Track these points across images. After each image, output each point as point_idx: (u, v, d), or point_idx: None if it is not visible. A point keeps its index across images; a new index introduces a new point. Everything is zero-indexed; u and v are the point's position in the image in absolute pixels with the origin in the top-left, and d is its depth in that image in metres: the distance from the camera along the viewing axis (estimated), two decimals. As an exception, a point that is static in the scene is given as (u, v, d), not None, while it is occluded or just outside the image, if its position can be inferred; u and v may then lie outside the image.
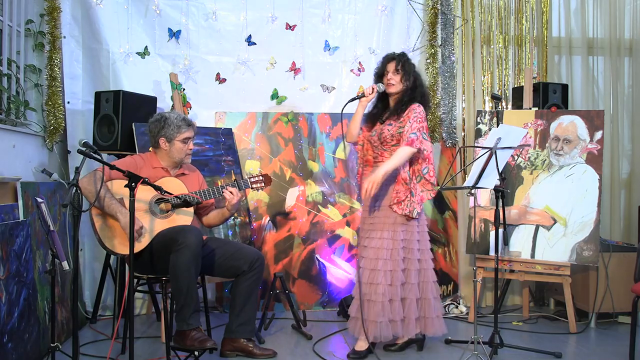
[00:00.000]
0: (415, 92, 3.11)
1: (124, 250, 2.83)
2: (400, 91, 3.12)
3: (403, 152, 2.99)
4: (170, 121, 3.08)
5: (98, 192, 2.78)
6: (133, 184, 2.60)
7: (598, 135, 3.86)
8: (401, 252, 3.07)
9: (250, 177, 3.18)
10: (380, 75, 3.16)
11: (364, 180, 3.01)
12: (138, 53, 4.24)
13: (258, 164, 4.32)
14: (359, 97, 3.12)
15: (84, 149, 2.58)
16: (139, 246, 2.85)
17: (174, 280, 2.82)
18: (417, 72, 3.18)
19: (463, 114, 4.58)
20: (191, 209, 3.06)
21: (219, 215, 3.22)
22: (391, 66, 3.11)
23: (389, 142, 3.09)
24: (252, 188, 3.17)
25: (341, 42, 4.46)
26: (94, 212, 2.90)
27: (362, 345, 3.12)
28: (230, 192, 3.06)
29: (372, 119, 3.20)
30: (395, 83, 3.10)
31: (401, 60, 3.11)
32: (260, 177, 3.18)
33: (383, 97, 3.19)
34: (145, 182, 2.71)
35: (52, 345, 2.55)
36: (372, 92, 3.10)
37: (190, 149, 3.14)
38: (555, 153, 3.93)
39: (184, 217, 3.04)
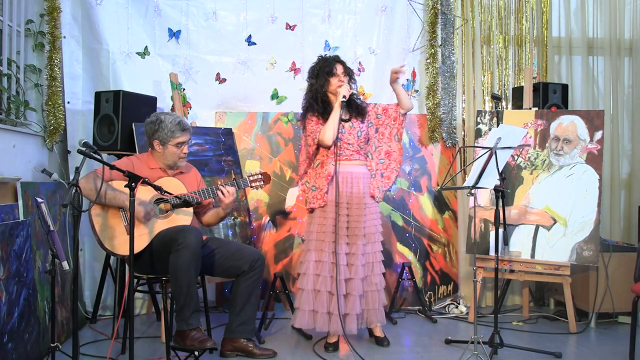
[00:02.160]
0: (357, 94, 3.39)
1: (124, 250, 2.83)
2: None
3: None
4: (164, 125, 3.05)
5: (99, 189, 2.76)
6: (133, 184, 2.60)
7: (598, 135, 3.86)
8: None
9: (249, 176, 3.17)
10: (328, 73, 3.24)
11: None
12: (138, 53, 4.24)
13: (258, 164, 4.32)
14: (345, 100, 3.21)
15: (84, 149, 2.58)
16: (138, 246, 2.85)
17: (174, 280, 2.82)
18: None
19: (463, 114, 4.57)
20: (190, 209, 3.06)
21: (215, 214, 3.22)
22: (340, 68, 3.28)
23: (364, 141, 3.33)
24: (251, 187, 3.16)
25: (341, 42, 4.46)
26: (94, 212, 2.90)
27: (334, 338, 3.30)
28: (224, 191, 3.05)
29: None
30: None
31: (347, 65, 3.34)
32: (260, 176, 3.18)
33: (325, 97, 3.28)
34: (145, 182, 2.71)
35: (52, 345, 2.56)
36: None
37: (185, 153, 3.11)
38: (555, 153, 3.93)
39: (184, 217, 3.04)
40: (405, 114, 3.41)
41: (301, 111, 3.38)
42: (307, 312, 3.20)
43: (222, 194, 3.05)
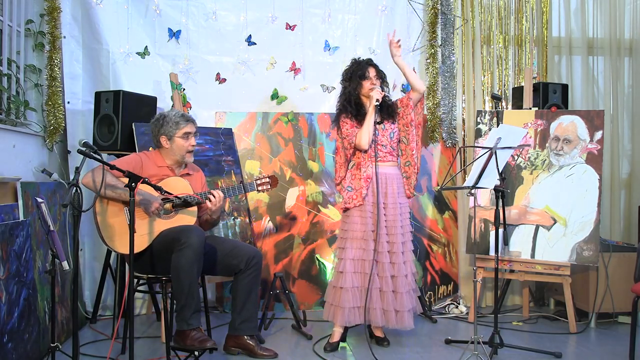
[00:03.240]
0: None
1: (126, 249, 2.82)
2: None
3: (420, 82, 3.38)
4: (168, 118, 3.08)
5: (102, 182, 2.72)
6: (133, 184, 2.60)
7: (598, 135, 3.86)
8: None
9: (256, 179, 3.16)
10: (360, 77, 3.28)
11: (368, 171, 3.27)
12: (138, 53, 4.24)
13: (258, 164, 4.32)
14: (378, 104, 3.23)
15: (84, 149, 2.58)
16: (140, 245, 2.85)
17: (176, 280, 2.82)
18: None
19: (463, 114, 4.58)
20: (194, 209, 3.05)
21: (207, 218, 3.20)
22: (372, 71, 3.31)
23: (396, 142, 3.37)
24: (258, 190, 3.16)
25: (341, 42, 4.46)
26: (97, 209, 2.89)
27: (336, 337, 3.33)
28: (210, 197, 3.02)
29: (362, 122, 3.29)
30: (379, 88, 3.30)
31: (379, 68, 3.35)
32: (267, 179, 3.16)
33: (358, 99, 3.32)
34: (145, 182, 2.71)
35: (52, 345, 2.56)
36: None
37: (193, 145, 3.11)
38: (555, 153, 3.93)
39: (187, 217, 3.03)
40: (421, 98, 3.37)
41: (335, 113, 3.39)
42: (350, 309, 3.21)
43: (209, 200, 3.02)
